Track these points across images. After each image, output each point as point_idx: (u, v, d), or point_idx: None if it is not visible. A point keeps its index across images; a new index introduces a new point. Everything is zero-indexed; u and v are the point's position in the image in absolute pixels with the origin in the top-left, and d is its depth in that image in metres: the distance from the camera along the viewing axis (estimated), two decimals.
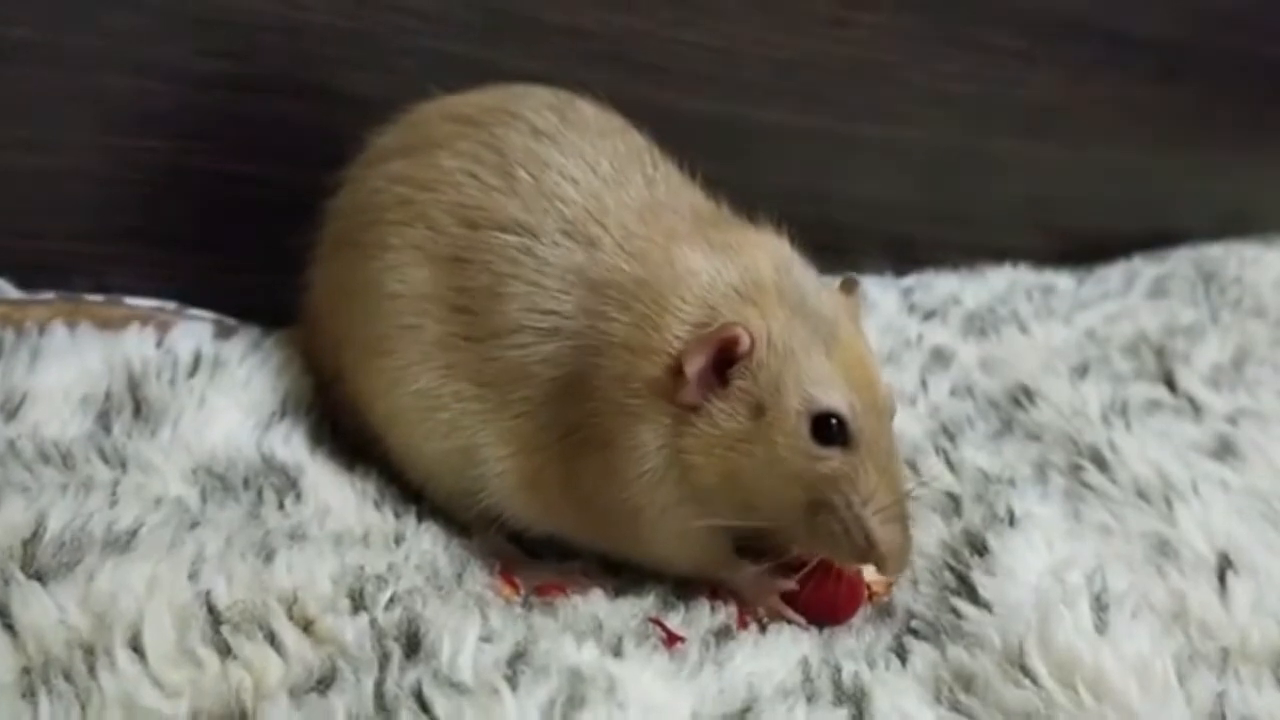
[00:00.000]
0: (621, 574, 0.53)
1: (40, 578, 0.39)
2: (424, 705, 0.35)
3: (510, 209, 0.52)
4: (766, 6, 0.86)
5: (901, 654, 0.49)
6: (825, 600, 0.51)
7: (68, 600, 0.39)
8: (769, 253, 0.52)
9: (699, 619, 0.50)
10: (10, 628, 0.38)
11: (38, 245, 0.65)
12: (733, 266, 0.51)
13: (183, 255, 0.69)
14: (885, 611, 0.53)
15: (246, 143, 0.69)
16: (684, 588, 0.52)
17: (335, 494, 0.53)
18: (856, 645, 0.50)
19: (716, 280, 0.50)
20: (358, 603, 0.41)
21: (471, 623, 0.39)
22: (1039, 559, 0.53)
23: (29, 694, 0.36)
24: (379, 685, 0.36)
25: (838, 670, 0.47)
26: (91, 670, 0.37)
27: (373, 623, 0.40)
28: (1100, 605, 0.48)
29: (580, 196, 0.53)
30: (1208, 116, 1.16)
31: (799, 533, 0.50)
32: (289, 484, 0.52)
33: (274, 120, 0.70)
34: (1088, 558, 0.53)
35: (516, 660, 0.38)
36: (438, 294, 0.53)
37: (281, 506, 0.50)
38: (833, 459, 0.48)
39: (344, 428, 0.58)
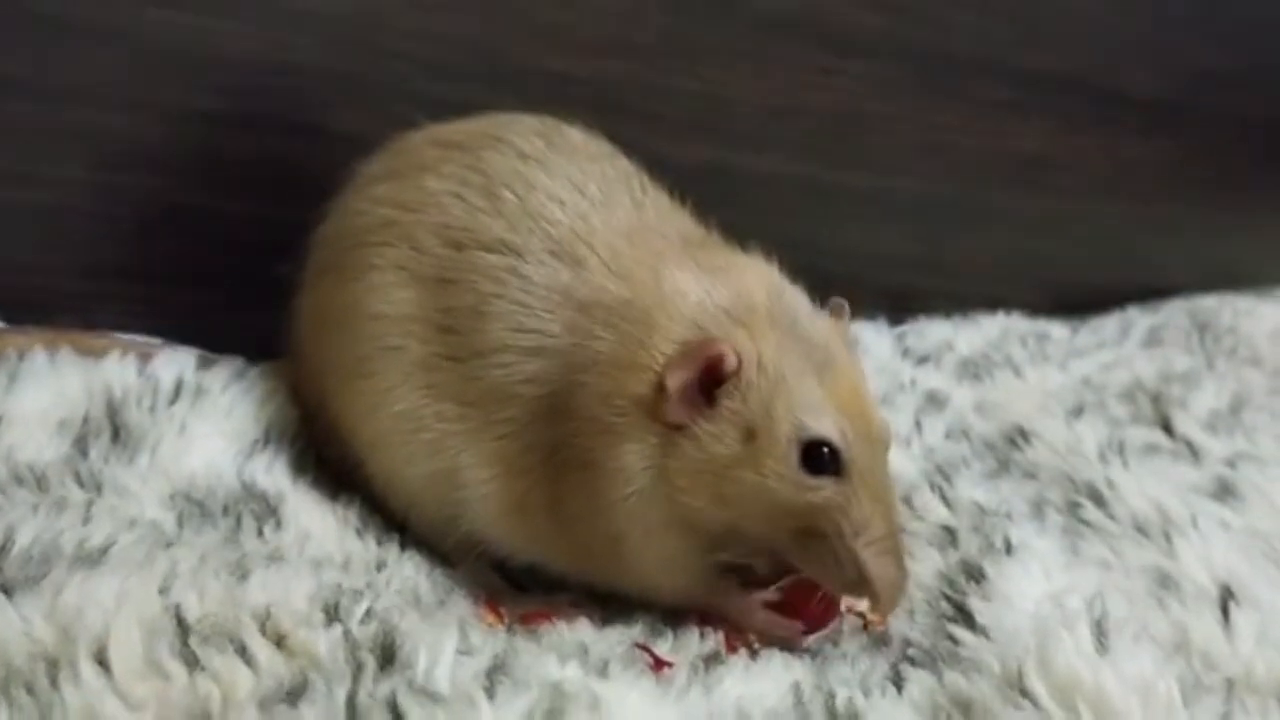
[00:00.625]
0: (609, 605, 0.52)
1: (5, 590, 0.38)
2: (397, 715, 0.33)
3: (495, 229, 0.52)
4: (755, 54, 0.86)
5: (898, 682, 0.47)
6: (810, 607, 0.50)
7: (33, 613, 0.37)
8: (760, 276, 0.52)
9: (687, 645, 0.48)
10: None
11: (25, 281, 0.65)
12: (723, 288, 0.50)
13: (172, 292, 0.69)
14: (881, 641, 0.51)
15: (238, 181, 0.69)
16: (672, 615, 0.51)
17: (316, 521, 0.51)
18: (851, 674, 0.48)
19: (706, 301, 0.49)
20: (332, 616, 0.40)
21: (449, 636, 0.38)
22: (1036, 586, 0.52)
23: None
24: (351, 696, 0.35)
25: (831, 696, 0.45)
26: (54, 682, 0.35)
27: (347, 634, 0.39)
28: (1100, 630, 0.46)
29: (566, 217, 0.52)
30: (1197, 173, 1.16)
31: (790, 554, 0.49)
32: (269, 511, 0.51)
33: (266, 159, 0.70)
34: (1087, 586, 0.52)
35: (495, 672, 0.36)
36: (421, 315, 0.52)
37: (261, 533, 0.49)
38: (824, 489, 0.47)
39: (327, 458, 0.57)
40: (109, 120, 0.65)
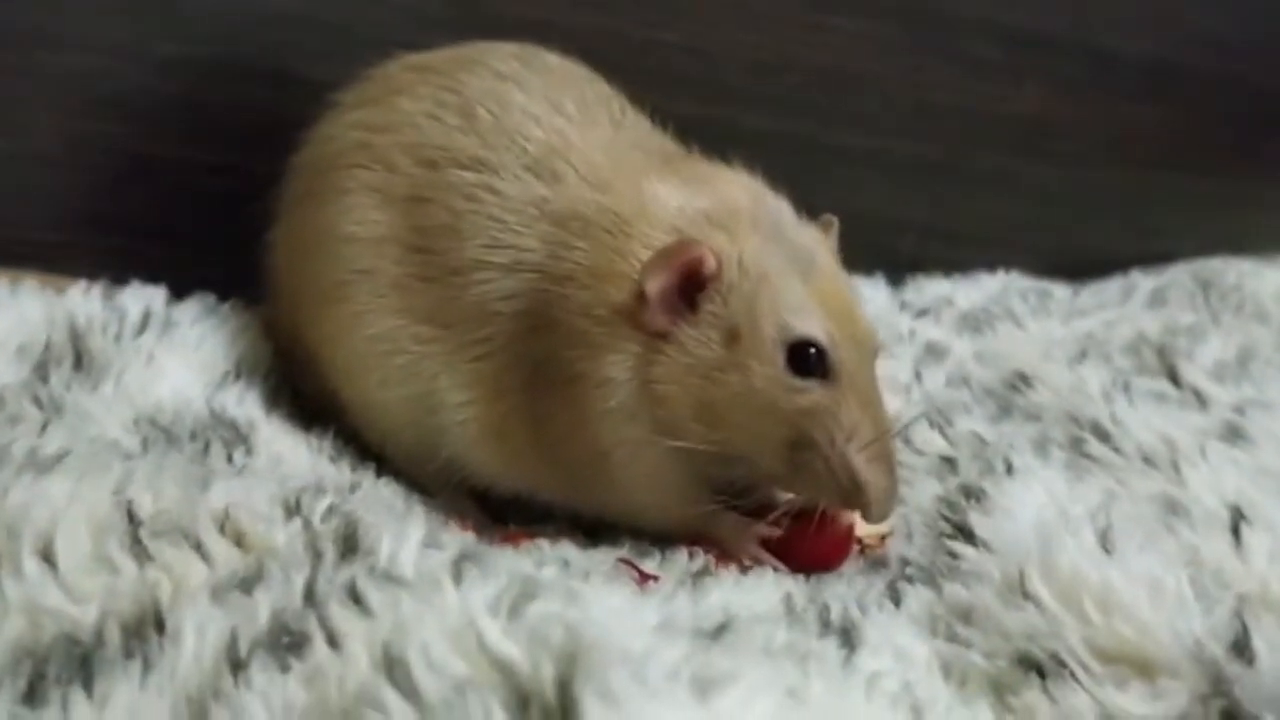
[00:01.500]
0: (595, 535, 0.50)
1: None
2: (357, 599, 0.31)
3: (470, 147, 0.50)
4: (740, 7, 0.84)
5: (895, 598, 0.45)
6: (811, 548, 0.47)
7: None
8: (743, 184, 0.50)
9: (675, 564, 0.46)
10: None
11: None
12: (704, 195, 0.48)
13: (141, 243, 0.67)
14: (879, 563, 0.49)
15: (208, 129, 0.68)
16: (660, 539, 0.49)
17: (289, 449, 0.49)
18: (847, 591, 0.46)
19: (686, 207, 0.48)
20: (292, 511, 0.37)
21: (415, 528, 0.36)
22: (1038, 501, 0.49)
23: None
24: (309, 583, 0.33)
25: (825, 608, 0.43)
26: None
27: (307, 526, 0.36)
28: (1106, 538, 0.44)
29: (543, 133, 0.51)
30: (1193, 139, 1.14)
31: (780, 472, 0.46)
32: (239, 438, 0.49)
33: (240, 107, 0.68)
34: (1091, 501, 0.50)
35: (463, 561, 0.34)
36: (395, 235, 0.51)
37: (230, 459, 0.47)
38: (812, 391, 0.45)
39: (303, 392, 0.55)
40: (77, 64, 0.64)
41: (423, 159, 0.51)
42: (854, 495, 0.45)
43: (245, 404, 0.52)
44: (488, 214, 0.49)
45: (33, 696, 0.29)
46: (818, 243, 0.49)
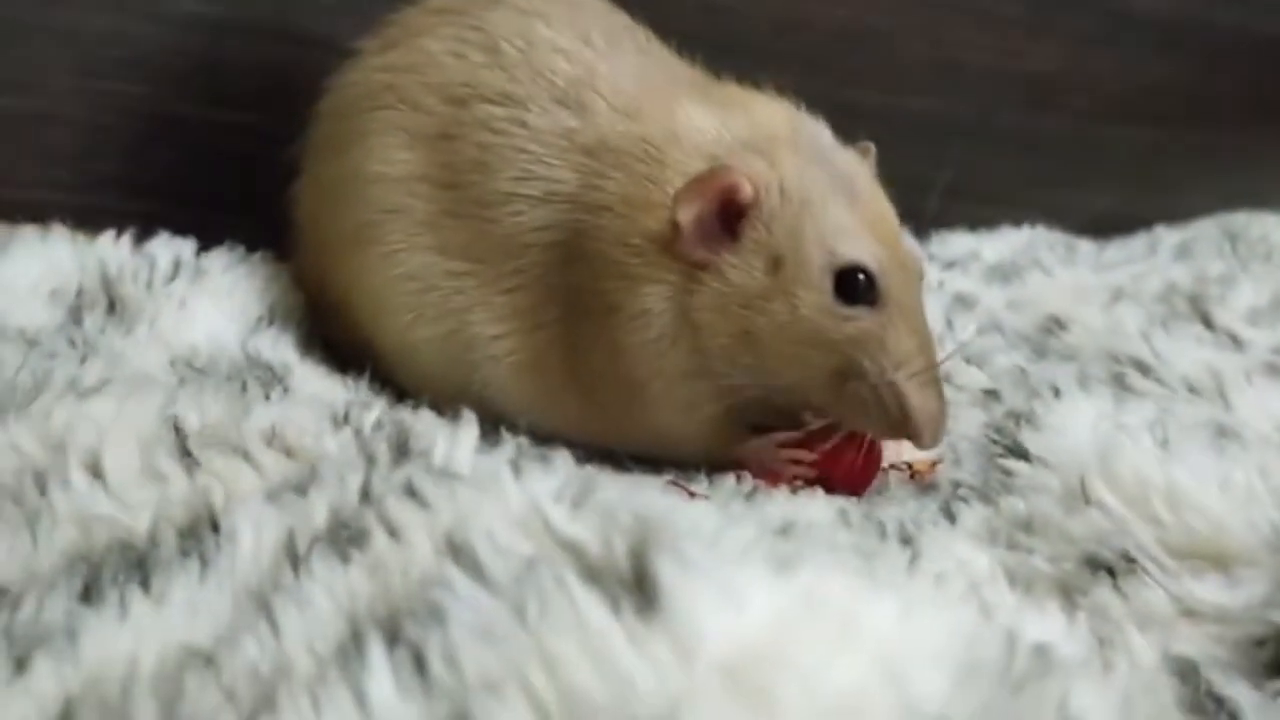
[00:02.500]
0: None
1: None
2: (414, 495, 0.31)
3: (497, 82, 0.50)
4: None
5: (950, 516, 0.44)
6: (844, 470, 0.46)
7: (21, 433, 0.35)
8: (780, 108, 0.49)
9: (723, 486, 0.45)
10: None
11: (13, 194, 0.62)
12: (740, 120, 0.47)
13: (162, 203, 0.66)
14: (929, 488, 0.48)
15: (228, 88, 0.67)
16: (703, 465, 0.48)
17: (324, 390, 0.48)
18: (900, 511, 0.45)
19: (723, 133, 0.47)
20: (340, 422, 0.37)
21: (469, 430, 0.35)
22: (1090, 419, 0.48)
23: None
24: (365, 484, 0.32)
25: (881, 524, 0.42)
26: (43, 492, 0.32)
27: (358, 433, 0.36)
28: (1164, 442, 0.43)
29: (571, 66, 0.50)
30: (1211, 93, 1.13)
31: (826, 401, 0.45)
32: (275, 379, 0.48)
33: (256, 66, 0.68)
34: (1146, 415, 0.49)
35: (521, 459, 0.33)
36: (424, 173, 0.50)
37: (268, 398, 0.46)
38: (860, 319, 0.44)
39: (333, 342, 0.54)
40: (96, 24, 0.63)
41: (450, 97, 0.50)
42: (904, 423, 0.44)
43: (279, 348, 0.51)
44: (517, 147, 0.48)
45: (89, 596, 0.29)
46: (858, 166, 0.48)
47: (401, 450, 0.34)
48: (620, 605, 0.24)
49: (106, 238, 0.53)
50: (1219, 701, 0.31)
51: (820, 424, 0.47)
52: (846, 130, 0.92)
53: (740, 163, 0.45)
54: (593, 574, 0.26)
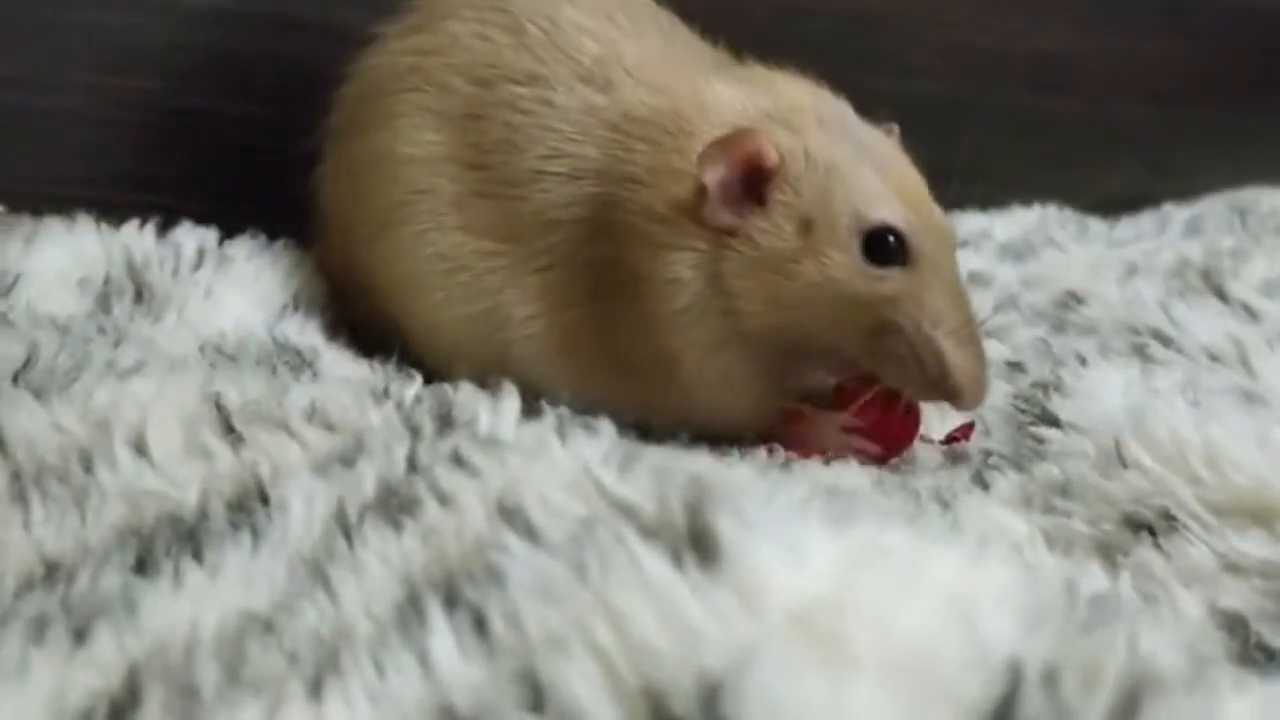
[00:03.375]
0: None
1: (32, 391, 0.35)
2: (461, 463, 0.31)
3: (523, 63, 0.50)
4: None
5: (983, 484, 0.44)
6: (886, 427, 0.47)
7: (64, 412, 0.35)
8: (804, 86, 0.49)
9: (756, 460, 0.45)
10: None
11: (30, 190, 0.62)
12: (765, 94, 0.48)
13: (178, 198, 0.66)
14: (959, 457, 0.48)
15: (241, 82, 0.67)
16: (737, 441, 0.48)
17: (353, 373, 0.48)
18: (933, 480, 0.45)
19: (748, 105, 0.47)
20: (381, 396, 0.37)
21: (511, 400, 0.35)
22: (1119, 385, 0.48)
23: (19, 499, 0.32)
24: (411, 455, 0.32)
25: (916, 492, 0.42)
26: (89, 469, 0.33)
27: (399, 406, 0.36)
28: (1195, 404, 0.43)
29: (596, 44, 0.50)
30: (1214, 71, 1.13)
31: (862, 358, 0.45)
32: (304, 363, 0.48)
33: (269, 58, 0.68)
34: (1175, 379, 0.49)
35: (565, 426, 0.33)
36: (452, 154, 0.50)
37: (298, 382, 0.46)
38: (892, 278, 0.44)
39: (360, 326, 0.54)
40: (108, 19, 0.63)
41: (475, 78, 0.50)
42: (942, 381, 0.44)
43: (306, 333, 0.51)
44: (544, 125, 0.49)
45: (143, 567, 0.29)
46: (883, 137, 0.48)
47: (445, 421, 0.34)
48: (682, 559, 0.24)
49: (130, 227, 0.53)
50: (1269, 653, 0.31)
51: (854, 383, 0.47)
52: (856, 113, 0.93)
53: (765, 131, 0.45)
54: (650, 531, 0.26)
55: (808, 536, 0.25)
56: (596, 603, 0.24)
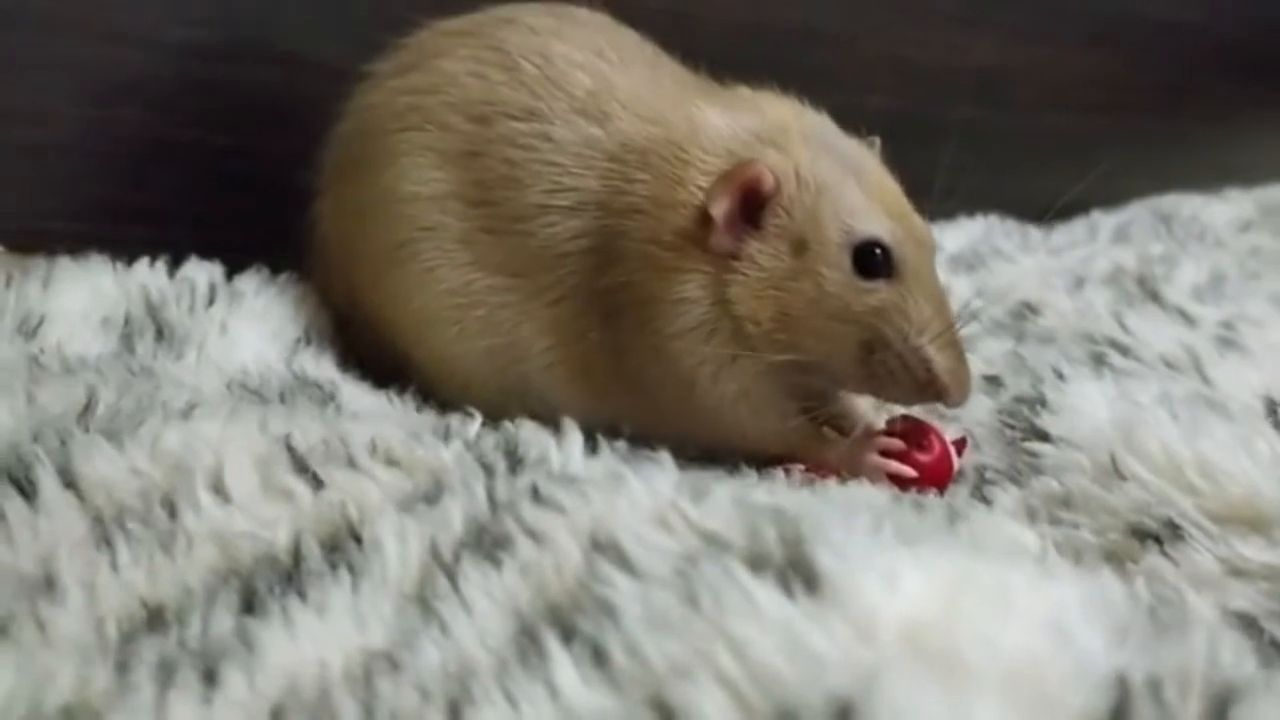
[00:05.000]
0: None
1: (104, 435, 0.36)
2: (541, 500, 0.32)
3: (519, 99, 0.51)
4: None
5: (985, 500, 0.47)
6: (932, 464, 0.49)
7: (137, 454, 0.36)
8: (785, 104, 0.52)
9: (775, 480, 0.47)
10: (72, 485, 0.34)
11: (14, 225, 0.62)
12: (751, 116, 0.50)
13: (163, 229, 0.66)
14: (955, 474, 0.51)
15: (224, 113, 0.68)
16: (753, 461, 0.50)
17: (375, 406, 0.50)
18: (935, 499, 0.48)
19: (736, 129, 0.49)
20: (445, 435, 0.38)
21: (575, 437, 0.37)
22: (1102, 400, 0.51)
23: (104, 542, 0.33)
24: (490, 493, 0.33)
25: (928, 508, 0.44)
26: (172, 514, 0.33)
27: (468, 446, 0.37)
28: (1180, 419, 0.47)
29: (588, 78, 0.52)
30: (1139, 82, 1.19)
31: (856, 374, 0.48)
32: (326, 397, 0.49)
33: (251, 90, 0.68)
34: (1150, 393, 0.52)
35: (628, 464, 0.35)
36: (455, 191, 0.51)
37: (340, 416, 0.47)
38: (879, 290, 0.47)
39: (367, 358, 0.55)
40: (91, 51, 0.63)
41: (474, 115, 0.52)
42: (930, 385, 0.47)
43: (322, 366, 0.52)
44: (545, 160, 0.50)
45: (251, 608, 0.30)
46: (864, 151, 0.51)
47: (515, 459, 0.36)
48: (792, 589, 0.27)
49: (142, 264, 0.54)
50: None
51: (897, 422, 0.50)
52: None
53: (758, 155, 0.48)
54: (753, 564, 0.28)
55: (899, 563, 0.27)
56: (715, 632, 0.26)
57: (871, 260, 0.47)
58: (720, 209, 0.47)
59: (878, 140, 0.54)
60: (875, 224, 0.47)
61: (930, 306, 0.47)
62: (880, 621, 0.25)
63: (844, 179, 0.48)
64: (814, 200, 0.47)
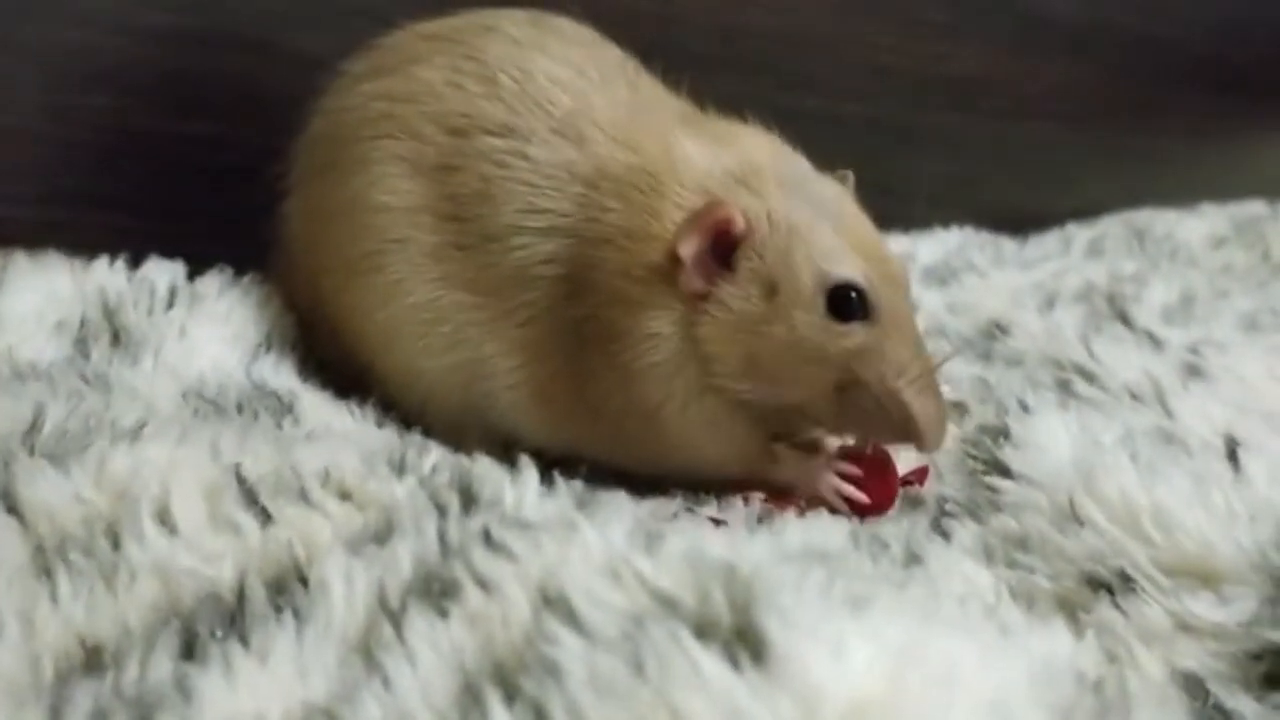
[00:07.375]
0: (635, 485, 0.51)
1: (48, 458, 0.36)
2: (493, 544, 0.32)
3: (496, 114, 0.51)
4: None
5: (943, 533, 0.47)
6: (879, 488, 0.49)
7: (82, 479, 0.35)
8: (763, 141, 0.51)
9: (735, 509, 0.47)
10: (15, 510, 0.34)
11: None
12: (728, 153, 0.49)
13: (131, 218, 0.65)
14: (914, 502, 0.51)
15: (195, 101, 0.67)
16: (713, 487, 0.50)
17: (334, 417, 0.49)
18: (895, 529, 0.48)
19: (713, 166, 0.49)
20: (398, 468, 0.38)
21: (530, 476, 0.37)
22: (1065, 436, 0.51)
23: (45, 574, 0.32)
24: (441, 534, 0.33)
25: (885, 545, 0.45)
26: (116, 545, 0.33)
27: (422, 482, 0.37)
28: (1140, 461, 0.47)
29: (568, 97, 0.51)
30: (1117, 95, 1.19)
31: (829, 415, 0.48)
32: (284, 408, 0.48)
33: (224, 78, 0.67)
34: (1112, 433, 0.52)
35: (583, 508, 0.35)
36: (427, 204, 0.50)
37: (280, 427, 0.47)
38: (855, 334, 0.47)
39: (330, 362, 0.55)
40: (62, 37, 0.62)
41: (449, 127, 0.51)
42: (907, 428, 0.47)
43: (281, 374, 0.52)
44: (520, 179, 0.50)
45: (191, 653, 0.30)
46: (839, 191, 0.51)
47: (469, 497, 0.36)
48: (738, 660, 0.26)
49: (101, 264, 0.53)
50: (1226, 715, 0.34)
51: (856, 445, 0.50)
52: (788, 135, 0.95)
53: (731, 195, 0.47)
54: (700, 630, 0.28)
55: (847, 633, 0.27)
56: (659, 702, 0.26)
57: (847, 303, 0.47)
58: (689, 249, 0.46)
59: (850, 175, 0.54)
60: (849, 267, 0.47)
61: (907, 349, 0.47)
62: (826, 698, 0.25)
63: (818, 221, 0.48)
64: (786, 242, 0.47)
